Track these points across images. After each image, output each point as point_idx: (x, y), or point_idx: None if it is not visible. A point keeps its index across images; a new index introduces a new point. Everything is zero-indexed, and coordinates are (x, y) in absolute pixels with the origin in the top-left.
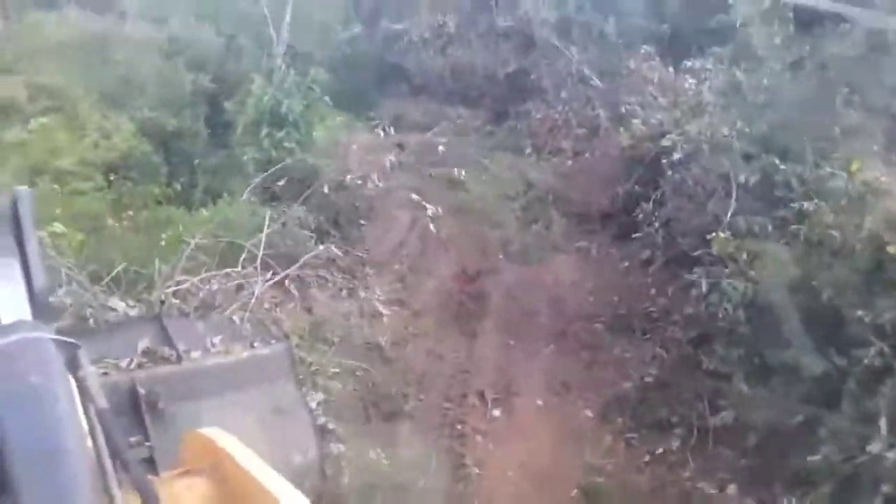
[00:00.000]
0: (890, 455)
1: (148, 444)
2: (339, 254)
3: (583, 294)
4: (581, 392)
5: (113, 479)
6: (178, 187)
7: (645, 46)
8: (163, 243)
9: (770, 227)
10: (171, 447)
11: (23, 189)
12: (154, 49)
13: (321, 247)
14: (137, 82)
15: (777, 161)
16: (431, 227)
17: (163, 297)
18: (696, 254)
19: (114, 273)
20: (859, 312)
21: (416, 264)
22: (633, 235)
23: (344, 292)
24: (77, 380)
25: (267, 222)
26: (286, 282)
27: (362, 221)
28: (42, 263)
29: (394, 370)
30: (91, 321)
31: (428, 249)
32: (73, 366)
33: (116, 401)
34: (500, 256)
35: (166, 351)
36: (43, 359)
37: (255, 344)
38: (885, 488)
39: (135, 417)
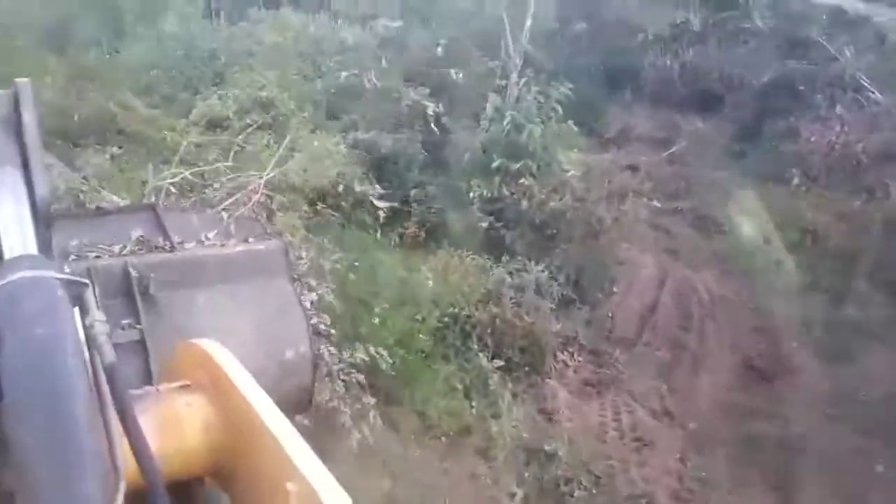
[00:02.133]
0: None
1: (139, 326)
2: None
3: None
4: None
5: (118, 446)
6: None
7: None
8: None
9: None
10: (162, 332)
11: (23, 82)
12: (367, 55)
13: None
14: (349, 94)
15: None
16: (695, 295)
17: None
18: None
19: None
20: None
21: (681, 350)
22: None
23: (592, 392)
24: (85, 328)
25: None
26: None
27: (612, 286)
28: (44, 167)
29: None
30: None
31: (691, 326)
32: (81, 309)
33: (108, 284)
34: (794, 344)
35: (160, 241)
36: (49, 304)
37: (251, 239)
38: None
39: (126, 301)
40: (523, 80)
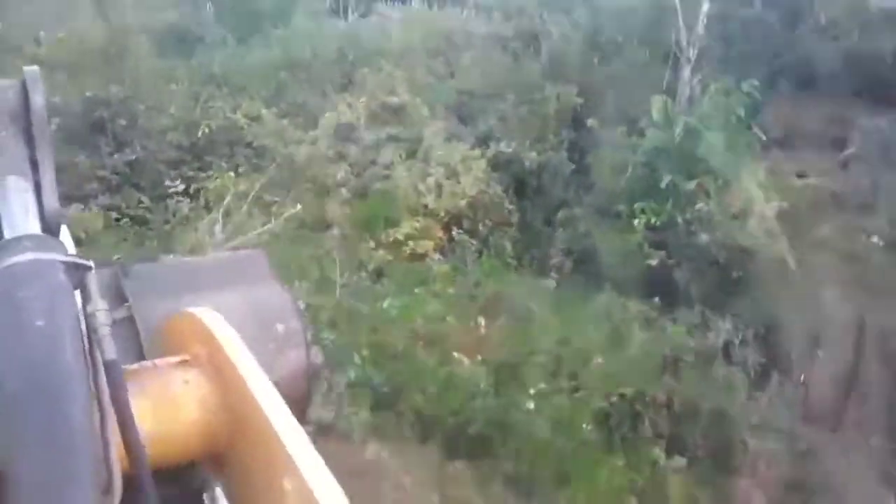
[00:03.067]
0: None
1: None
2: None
3: None
4: None
5: (113, 448)
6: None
7: None
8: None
9: None
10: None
11: (32, 70)
12: (504, 52)
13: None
14: (485, 95)
15: None
16: None
17: None
18: None
19: None
20: None
21: None
22: None
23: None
24: (86, 316)
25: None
26: None
27: (815, 349)
28: (54, 173)
29: None
30: None
31: None
32: (83, 295)
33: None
34: None
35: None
36: (51, 291)
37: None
38: None
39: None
40: (697, 77)
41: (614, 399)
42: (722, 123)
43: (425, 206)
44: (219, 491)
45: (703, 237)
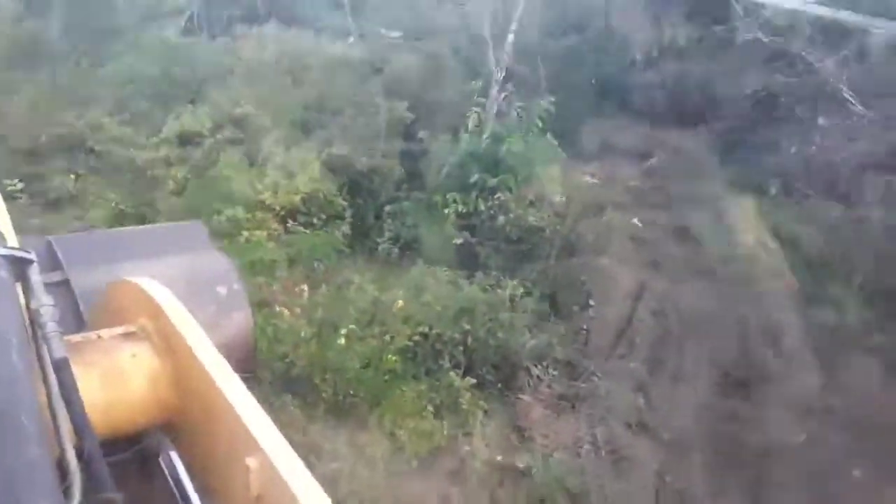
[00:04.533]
0: None
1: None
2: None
3: None
4: None
5: (68, 440)
6: (364, 238)
7: None
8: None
9: None
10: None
11: None
12: (349, 71)
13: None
14: (327, 109)
15: None
16: (674, 306)
17: None
18: None
19: None
20: None
21: (658, 362)
22: None
23: (567, 406)
24: (30, 311)
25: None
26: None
27: (588, 299)
28: None
29: None
30: None
31: (669, 337)
32: (25, 289)
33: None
34: (769, 353)
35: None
36: None
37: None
38: None
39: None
40: (503, 95)
41: (417, 338)
42: (523, 132)
43: (262, 202)
44: (174, 455)
45: (501, 219)
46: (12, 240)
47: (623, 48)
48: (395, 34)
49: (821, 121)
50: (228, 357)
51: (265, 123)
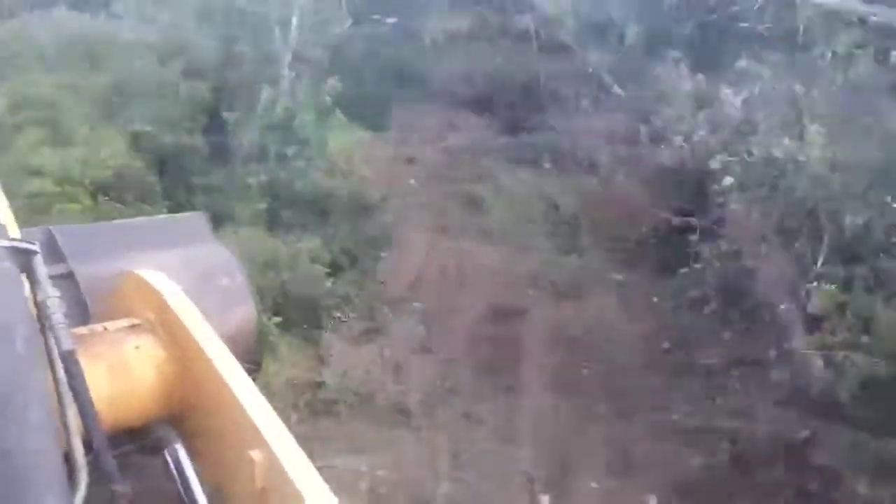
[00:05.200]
0: None
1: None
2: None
3: (630, 339)
4: (645, 474)
5: (75, 431)
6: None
7: (672, 51)
8: None
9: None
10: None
11: None
12: (148, 54)
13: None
14: (130, 92)
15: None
16: (453, 257)
17: None
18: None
19: None
20: None
21: (440, 303)
22: (680, 271)
23: (363, 339)
24: (37, 303)
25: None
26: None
27: (382, 253)
28: None
29: (424, 443)
30: None
31: (452, 284)
32: (31, 281)
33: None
34: (530, 292)
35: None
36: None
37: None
38: None
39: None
40: (293, 74)
41: None
42: (313, 108)
43: (70, 177)
44: (179, 447)
45: (299, 184)
46: (14, 231)
47: (416, 36)
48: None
49: (584, 102)
50: (232, 350)
51: (66, 104)
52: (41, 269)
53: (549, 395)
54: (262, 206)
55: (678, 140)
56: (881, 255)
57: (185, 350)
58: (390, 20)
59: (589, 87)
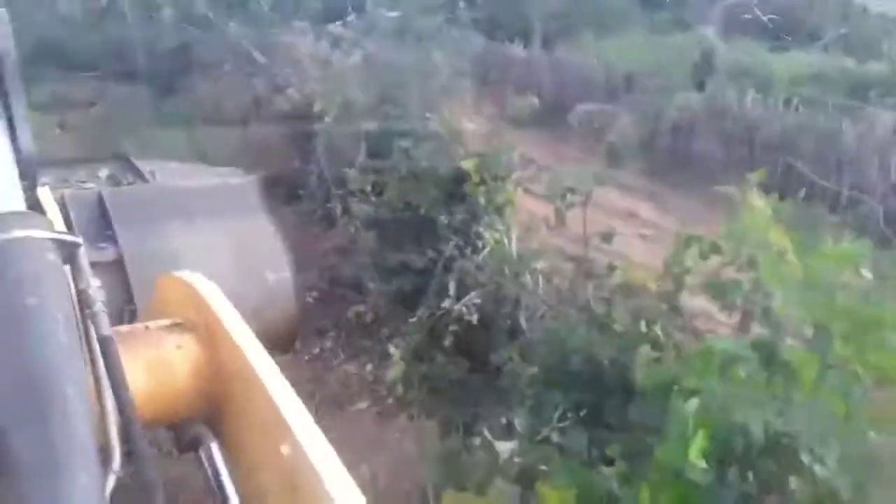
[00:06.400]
0: (454, 307)
1: (116, 246)
2: None
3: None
4: None
5: (113, 422)
6: None
7: (298, 21)
8: None
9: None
10: (141, 259)
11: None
12: None
13: None
14: None
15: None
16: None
17: None
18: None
19: None
20: (442, 218)
21: None
22: (300, 193)
23: None
24: (78, 293)
25: None
26: None
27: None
28: (28, 121)
29: None
30: None
31: None
32: (73, 271)
33: (82, 212)
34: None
35: (130, 177)
36: (41, 268)
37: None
38: (452, 328)
39: (102, 226)
40: None
41: None
42: None
43: None
44: (214, 446)
45: None
46: (59, 226)
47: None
48: None
49: (226, 67)
50: (270, 344)
51: None
52: (84, 259)
53: None
54: None
55: (293, 91)
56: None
57: (223, 350)
58: None
59: (233, 55)
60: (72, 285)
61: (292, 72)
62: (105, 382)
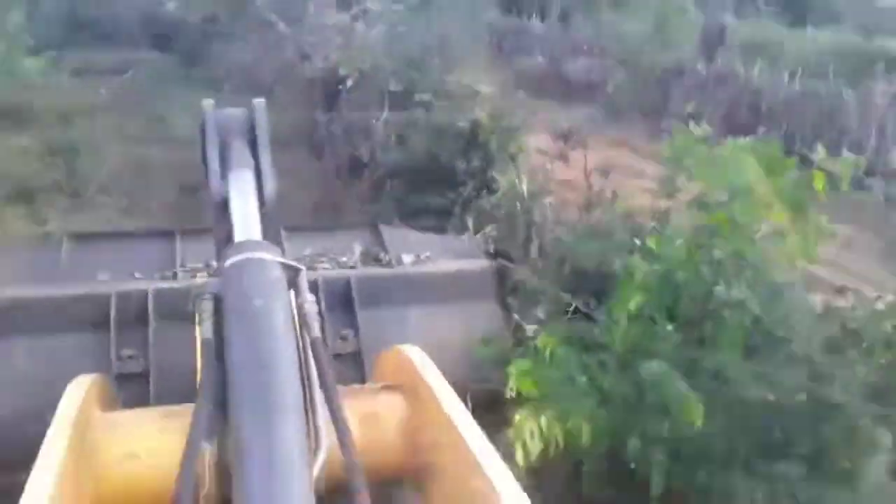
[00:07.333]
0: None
1: (357, 337)
2: None
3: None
4: None
5: (319, 412)
6: None
7: None
8: None
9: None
10: (377, 346)
11: (259, 102)
12: None
13: None
14: None
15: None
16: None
17: None
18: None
19: None
20: (460, 163)
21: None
22: (326, 148)
23: None
24: (297, 306)
25: None
26: None
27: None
28: (274, 173)
29: None
30: None
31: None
32: (294, 290)
33: (332, 295)
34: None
35: (381, 255)
36: (268, 281)
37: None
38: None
39: (346, 312)
40: None
41: None
42: None
43: None
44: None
45: None
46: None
47: None
48: None
49: (252, 37)
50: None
51: None
52: (304, 281)
53: None
54: None
55: (319, 59)
56: None
57: (429, 412)
58: None
59: (260, 27)
60: (293, 300)
61: (317, 40)
62: (314, 383)
